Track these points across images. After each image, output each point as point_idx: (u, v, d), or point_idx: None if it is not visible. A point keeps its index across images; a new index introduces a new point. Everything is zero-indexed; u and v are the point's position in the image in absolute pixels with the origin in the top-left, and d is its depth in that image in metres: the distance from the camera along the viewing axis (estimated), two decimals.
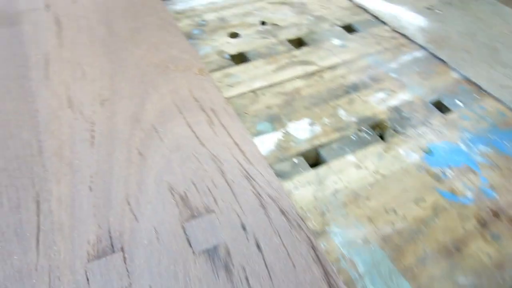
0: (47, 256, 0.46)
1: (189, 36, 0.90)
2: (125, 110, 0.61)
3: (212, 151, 0.57)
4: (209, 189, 0.52)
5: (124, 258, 0.46)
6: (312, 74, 0.83)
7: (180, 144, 0.57)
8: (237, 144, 0.58)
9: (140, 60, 0.70)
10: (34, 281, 0.44)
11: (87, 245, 0.47)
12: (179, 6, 0.99)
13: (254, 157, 0.56)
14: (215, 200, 0.51)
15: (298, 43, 0.94)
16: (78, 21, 0.78)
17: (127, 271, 0.45)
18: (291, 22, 0.98)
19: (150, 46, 0.72)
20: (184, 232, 0.48)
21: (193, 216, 0.50)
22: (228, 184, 0.53)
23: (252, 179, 0.54)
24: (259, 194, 0.52)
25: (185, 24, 0.93)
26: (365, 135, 0.72)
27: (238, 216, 0.50)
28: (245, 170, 0.55)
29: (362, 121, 0.74)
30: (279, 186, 0.53)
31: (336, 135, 0.71)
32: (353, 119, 0.75)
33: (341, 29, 0.98)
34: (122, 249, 0.47)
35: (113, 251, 0.47)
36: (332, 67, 0.85)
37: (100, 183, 0.53)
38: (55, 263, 0.46)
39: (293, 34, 0.94)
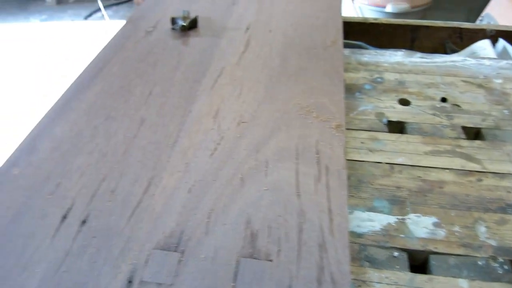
0: (132, 228, 0.55)
1: (358, 89, 0.89)
2: (253, 137, 0.66)
3: (303, 206, 0.56)
4: (279, 239, 0.53)
5: (180, 260, 0.51)
6: (469, 173, 0.72)
7: (279, 186, 0.59)
8: (330, 211, 0.56)
9: (292, 99, 0.74)
10: (113, 242, 0.53)
11: (161, 235, 0.54)
12: (365, 58, 1.00)
13: (339, 231, 0.54)
14: (278, 252, 0.51)
15: (474, 134, 0.83)
16: (262, 48, 0.87)
17: (176, 272, 0.50)
18: (478, 109, 0.87)
19: (307, 89, 0.76)
20: (237, 265, 0.50)
21: (251, 256, 0.51)
22: (299, 243, 0.52)
23: (325, 250, 0.51)
24: (322, 268, 0.49)
25: (361, 76, 0.93)
26: (498, 267, 0.59)
27: (290, 278, 0.49)
28: (323, 238, 0.53)
29: (503, 250, 0.61)
30: (347, 270, 0.49)
31: (459, 250, 0.61)
32: (492, 243, 0.62)
33: None
34: (182, 252, 0.52)
35: (175, 250, 0.52)
36: (499, 175, 0.72)
37: (199, 189, 0.59)
38: (133, 236, 0.54)
39: (472, 122, 0.83)
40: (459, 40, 1.10)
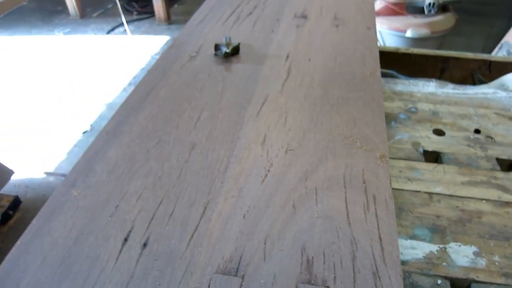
0: (192, 252, 0.58)
1: (393, 118, 0.93)
2: (301, 166, 0.70)
3: (354, 234, 0.59)
4: (334, 266, 0.55)
5: (241, 285, 0.53)
6: (506, 204, 0.75)
7: (330, 214, 0.62)
8: (380, 239, 0.59)
9: (335, 128, 0.77)
10: (175, 265, 0.56)
11: (220, 259, 0.57)
12: (399, 87, 1.03)
13: (390, 260, 0.56)
14: (335, 278, 0.54)
15: (508, 166, 0.85)
16: (303, 77, 0.91)
17: None
18: (511, 141, 0.90)
19: (350, 119, 0.79)
20: None
21: (309, 282, 0.54)
22: (353, 270, 0.55)
23: (379, 278, 0.54)
24: None
25: (395, 105, 0.97)
26: None
27: None
28: (376, 266, 0.55)
29: None
30: None
31: (500, 279, 0.63)
32: None
33: None
34: (242, 277, 0.54)
35: (236, 275, 0.55)
36: None
37: (253, 215, 0.62)
38: (194, 260, 0.57)
39: (506, 154, 0.86)
40: (487, 72, 1.13)
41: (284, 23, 1.15)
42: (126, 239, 0.60)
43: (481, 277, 0.63)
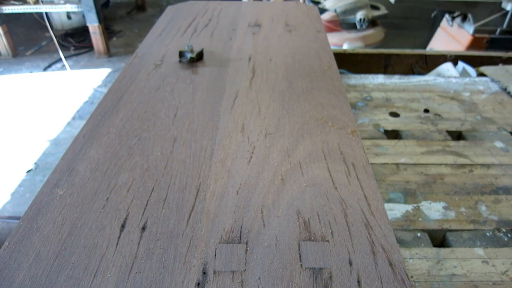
0: (193, 228, 0.59)
1: (353, 107, 1.01)
2: (281, 145, 0.74)
3: (342, 195, 0.64)
4: (329, 223, 0.59)
5: (246, 250, 0.56)
6: (461, 166, 0.84)
7: (316, 182, 0.66)
8: (366, 197, 0.64)
9: (306, 113, 0.83)
10: (178, 242, 0.57)
11: (222, 231, 0.59)
12: (352, 81, 1.12)
13: (378, 212, 0.61)
14: (332, 233, 0.58)
15: (457, 136, 0.96)
16: (268, 74, 0.97)
17: (246, 260, 0.54)
18: (455, 116, 1.01)
19: (317, 104, 0.85)
20: (299, 248, 0.56)
21: (309, 239, 0.57)
22: (347, 225, 0.59)
23: (371, 228, 0.59)
24: (373, 242, 0.57)
25: (352, 96, 1.05)
26: (503, 236, 0.69)
27: (348, 252, 0.55)
28: (366, 219, 0.60)
29: (503, 222, 0.72)
30: (394, 241, 0.57)
31: (469, 226, 0.70)
32: (494, 218, 0.73)
33: (508, 134, 0.96)
34: (246, 243, 0.57)
35: (239, 242, 0.57)
36: (485, 165, 0.85)
37: (245, 191, 0.65)
38: (196, 235, 0.58)
39: (454, 127, 0.97)
40: (424, 65, 1.27)
41: (240, 32, 1.22)
42: (123, 226, 0.60)
43: (454, 226, 0.70)
